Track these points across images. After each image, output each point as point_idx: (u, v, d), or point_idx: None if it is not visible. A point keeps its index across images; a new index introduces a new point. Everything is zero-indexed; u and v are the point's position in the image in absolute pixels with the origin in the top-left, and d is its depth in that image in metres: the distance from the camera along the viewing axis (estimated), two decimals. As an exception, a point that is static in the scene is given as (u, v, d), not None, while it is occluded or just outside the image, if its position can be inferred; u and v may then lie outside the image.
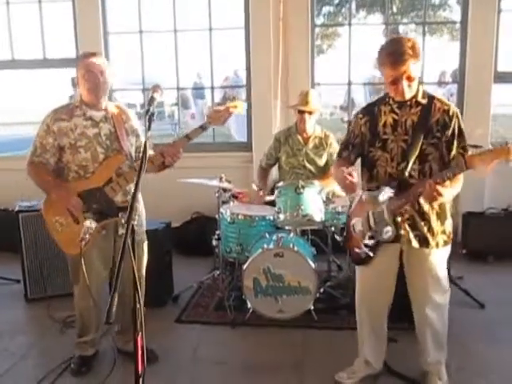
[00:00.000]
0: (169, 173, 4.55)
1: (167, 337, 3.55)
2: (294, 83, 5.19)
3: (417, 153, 2.54)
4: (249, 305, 3.64)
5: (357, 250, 2.77)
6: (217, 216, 4.04)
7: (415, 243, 2.63)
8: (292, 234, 3.80)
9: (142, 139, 3.10)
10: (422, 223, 2.60)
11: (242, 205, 4.32)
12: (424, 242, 2.63)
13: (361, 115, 2.74)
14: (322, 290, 3.90)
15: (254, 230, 3.95)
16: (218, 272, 4.15)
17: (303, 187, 3.73)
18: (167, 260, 4.14)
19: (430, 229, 2.61)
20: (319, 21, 13.85)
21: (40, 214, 4.09)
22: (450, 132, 2.52)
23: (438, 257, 2.67)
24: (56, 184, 2.91)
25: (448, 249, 2.73)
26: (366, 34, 6.49)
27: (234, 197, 4.39)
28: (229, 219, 4.01)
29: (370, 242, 2.70)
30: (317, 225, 3.87)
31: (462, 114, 5.04)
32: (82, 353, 3.17)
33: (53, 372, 3.08)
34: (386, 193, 2.55)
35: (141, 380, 1.95)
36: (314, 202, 3.76)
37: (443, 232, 2.65)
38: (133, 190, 1.90)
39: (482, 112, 5.08)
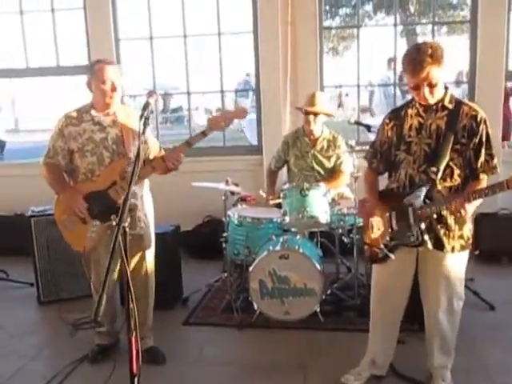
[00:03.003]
0: (180, 177, 4.61)
1: (175, 338, 3.59)
2: (303, 86, 5.19)
3: (447, 159, 2.52)
4: (255, 307, 3.66)
5: (375, 249, 2.76)
6: (223, 219, 4.08)
7: (430, 245, 2.60)
8: (298, 236, 3.81)
9: (153, 141, 3.23)
10: (439, 226, 2.57)
11: (250, 207, 4.34)
12: (439, 245, 2.59)
13: (387, 120, 2.75)
14: (329, 292, 3.91)
15: (261, 233, 3.97)
16: (225, 274, 4.18)
17: (308, 189, 3.74)
18: (176, 263, 4.18)
19: (447, 232, 2.58)
20: (335, 23, 13.87)
21: (52, 218, 4.23)
22: (477, 139, 2.49)
23: (454, 261, 2.64)
24: (64, 185, 3.08)
25: (465, 254, 2.68)
26: (384, 36, 6.45)
27: (243, 200, 4.42)
28: (236, 222, 4.04)
29: (390, 243, 2.69)
30: (322, 227, 3.88)
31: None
32: (100, 341, 3.34)
33: (61, 372, 3.14)
34: (414, 197, 2.54)
35: (136, 380, 1.99)
36: (320, 203, 3.76)
37: (461, 237, 2.61)
38: (130, 192, 1.93)
39: (493, 112, 5.00)
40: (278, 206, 4.13)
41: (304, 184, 3.79)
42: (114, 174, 2.98)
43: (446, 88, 2.58)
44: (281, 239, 3.75)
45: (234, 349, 3.49)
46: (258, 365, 3.23)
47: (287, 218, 3.78)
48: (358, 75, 5.47)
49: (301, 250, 3.58)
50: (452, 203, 2.41)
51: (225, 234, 4.03)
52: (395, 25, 5.42)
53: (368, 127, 4.13)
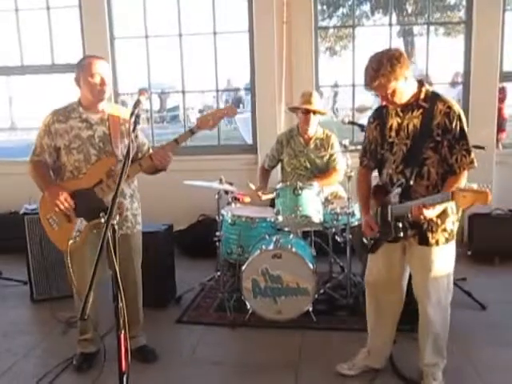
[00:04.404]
0: (176, 176, 4.61)
1: (167, 337, 3.59)
2: (298, 86, 5.20)
3: (422, 158, 2.55)
4: (248, 306, 3.66)
5: (364, 240, 2.85)
6: (217, 217, 4.08)
7: (414, 241, 2.66)
8: (292, 236, 3.81)
9: (142, 140, 3.18)
10: (422, 221, 2.58)
11: (244, 206, 4.35)
12: (423, 240, 2.64)
13: (371, 119, 2.79)
14: (322, 291, 3.92)
15: (254, 232, 3.97)
16: (218, 273, 4.18)
17: (301, 188, 3.74)
18: (169, 262, 4.18)
19: (429, 226, 2.61)
20: (332, 23, 13.89)
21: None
22: (451, 136, 2.50)
23: (439, 254, 2.67)
24: (50, 182, 3.01)
25: (450, 246, 2.71)
26: (380, 36, 6.45)
27: (236, 199, 4.42)
28: (230, 221, 4.04)
29: (375, 236, 2.76)
30: (315, 226, 3.89)
31: (467, 114, 5.06)
32: (83, 350, 3.26)
33: (53, 371, 3.13)
34: (393, 196, 2.60)
35: (125, 378, 1.99)
36: (313, 203, 3.76)
37: (444, 230, 2.64)
38: (118, 191, 1.92)
39: (488, 112, 5.04)
40: (272, 205, 4.14)
41: (297, 183, 3.79)
42: (101, 172, 2.96)
43: (422, 84, 2.59)
44: (274, 238, 3.75)
45: (226, 348, 3.49)
46: (250, 364, 3.23)
47: (280, 218, 3.79)
48: (354, 75, 5.48)
49: (293, 250, 3.59)
50: (411, 210, 2.46)
51: (218, 233, 4.03)
52: (390, 25, 5.43)
53: (362, 127, 4.14)
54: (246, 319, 3.67)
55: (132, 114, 2.16)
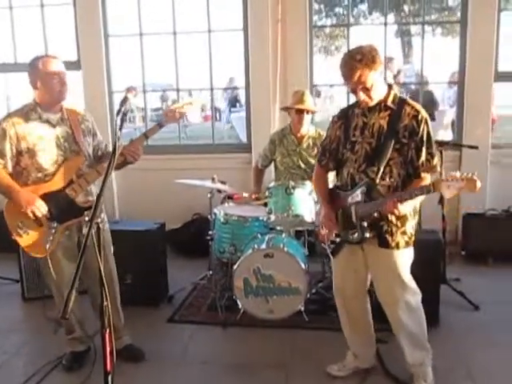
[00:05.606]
0: (170, 175, 4.60)
1: (158, 336, 3.58)
2: (292, 84, 5.17)
3: (387, 158, 2.56)
4: (239, 305, 3.65)
5: (323, 245, 2.88)
6: (209, 217, 4.06)
7: (374, 243, 2.65)
8: (284, 235, 3.80)
9: (100, 137, 3.16)
10: (381, 223, 2.61)
11: (237, 205, 4.33)
12: (383, 243, 2.64)
13: (336, 119, 2.80)
14: (314, 291, 3.91)
15: (247, 231, 3.96)
16: (210, 272, 4.16)
17: (293, 188, 3.74)
18: (161, 260, 4.16)
19: (389, 229, 2.62)
20: (328, 22, 13.87)
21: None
22: (418, 138, 2.53)
23: (401, 258, 2.66)
24: (15, 187, 2.86)
25: (410, 251, 2.71)
26: (376, 35, 6.43)
27: (230, 198, 4.41)
28: (222, 220, 4.02)
29: (336, 240, 2.77)
30: (308, 225, 3.87)
31: (461, 114, 5.04)
32: (73, 349, 3.24)
33: (42, 370, 3.12)
34: (356, 196, 2.59)
35: (110, 377, 1.98)
36: (305, 202, 3.76)
37: (404, 233, 2.64)
38: (99, 190, 1.91)
39: (482, 112, 5.01)
40: (265, 204, 4.12)
41: (289, 183, 3.79)
42: (70, 172, 2.91)
43: (390, 87, 2.62)
44: (266, 238, 3.74)
45: (217, 347, 3.48)
46: (241, 363, 3.22)
47: (272, 217, 3.78)
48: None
49: (285, 249, 3.57)
50: (384, 206, 2.48)
51: (210, 232, 4.02)
52: (385, 24, 5.40)
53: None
54: (237, 318, 3.66)
55: (119, 112, 2.14)
